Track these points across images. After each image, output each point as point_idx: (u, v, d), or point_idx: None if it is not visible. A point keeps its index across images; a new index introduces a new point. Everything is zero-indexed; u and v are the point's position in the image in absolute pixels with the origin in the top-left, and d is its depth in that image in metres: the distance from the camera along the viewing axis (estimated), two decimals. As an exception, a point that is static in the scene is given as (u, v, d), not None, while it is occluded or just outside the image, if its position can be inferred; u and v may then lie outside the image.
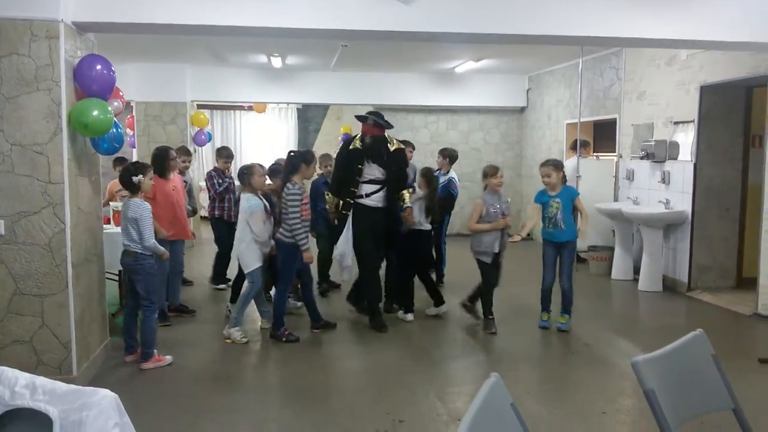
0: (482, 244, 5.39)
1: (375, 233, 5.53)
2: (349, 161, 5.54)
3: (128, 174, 4.53)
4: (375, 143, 5.48)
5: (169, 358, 4.62)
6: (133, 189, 4.52)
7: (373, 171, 5.49)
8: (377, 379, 4.45)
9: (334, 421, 3.75)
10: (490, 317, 5.45)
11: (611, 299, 7.00)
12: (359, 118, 5.64)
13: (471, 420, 1.61)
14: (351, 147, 5.57)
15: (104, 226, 5.09)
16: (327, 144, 14.98)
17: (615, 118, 8.24)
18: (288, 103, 14.19)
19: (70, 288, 4.06)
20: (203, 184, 7.59)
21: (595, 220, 7.52)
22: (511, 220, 5.58)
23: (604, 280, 7.56)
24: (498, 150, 11.34)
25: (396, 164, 5.56)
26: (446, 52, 8.58)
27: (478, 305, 5.61)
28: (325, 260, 6.67)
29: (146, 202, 4.59)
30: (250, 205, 5.13)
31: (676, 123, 7.04)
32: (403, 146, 5.77)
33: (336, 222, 5.74)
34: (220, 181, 6.62)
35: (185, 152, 6.85)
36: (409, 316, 5.76)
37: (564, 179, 5.52)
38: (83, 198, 4.30)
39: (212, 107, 13.61)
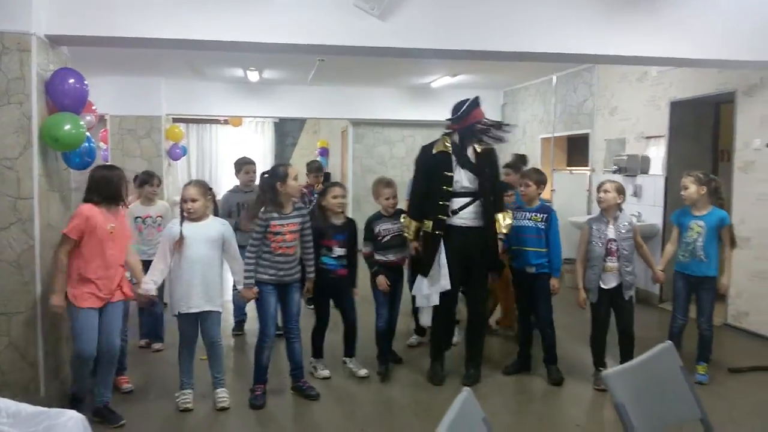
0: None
1: (466, 261, 4.40)
2: (436, 169, 4.42)
3: None
4: (466, 140, 4.42)
5: None
6: None
7: (461, 178, 4.41)
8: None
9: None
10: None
11: (585, 311, 7.05)
12: (452, 112, 4.48)
13: (443, 435, 1.61)
14: (435, 151, 4.48)
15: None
16: (304, 158, 14.97)
17: (588, 133, 8.36)
18: (265, 117, 14.17)
19: (38, 306, 3.98)
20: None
21: (569, 233, 7.60)
22: None
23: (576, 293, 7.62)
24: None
25: (489, 167, 4.49)
26: (423, 68, 8.64)
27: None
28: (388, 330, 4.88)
29: None
30: None
31: (648, 138, 7.17)
32: (492, 146, 4.57)
33: (418, 252, 4.56)
34: (311, 198, 6.07)
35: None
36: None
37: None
38: (54, 214, 4.23)
39: (187, 121, 13.53)
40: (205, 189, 4.06)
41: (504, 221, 4.48)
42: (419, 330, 5.44)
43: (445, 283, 4.30)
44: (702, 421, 2.27)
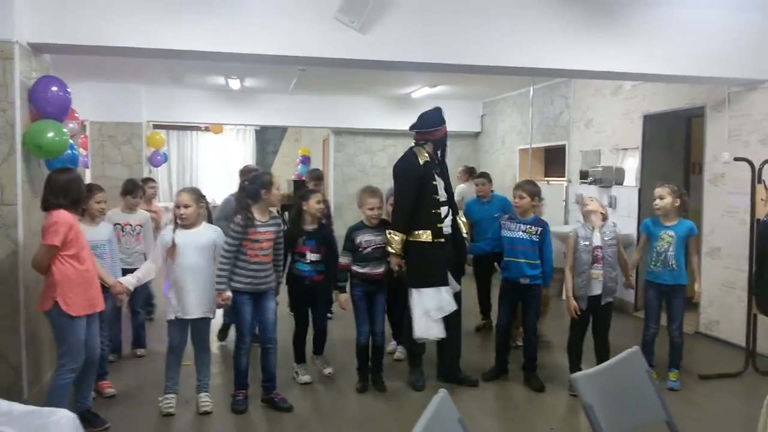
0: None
1: (447, 266, 4.52)
2: (425, 180, 4.46)
3: None
4: (441, 150, 4.60)
5: None
6: None
7: (439, 187, 4.54)
8: None
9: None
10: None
11: (561, 319, 7.18)
12: (422, 123, 4.57)
13: (419, 434, 1.70)
14: (422, 161, 4.49)
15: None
16: (285, 165, 15.04)
17: (564, 145, 8.54)
18: (246, 125, 14.21)
19: (22, 311, 4.01)
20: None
21: (546, 242, 7.76)
22: None
23: (554, 301, 7.76)
24: (453, 173, 11.51)
25: (447, 176, 4.71)
26: (403, 79, 8.77)
27: None
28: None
29: None
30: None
31: (622, 150, 7.35)
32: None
33: (400, 269, 4.46)
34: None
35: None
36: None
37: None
38: (36, 220, 4.25)
39: (168, 127, 13.52)
40: (198, 196, 4.10)
41: (464, 220, 4.81)
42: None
43: (451, 302, 4.43)
44: (667, 423, 2.38)
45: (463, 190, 8.00)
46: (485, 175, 6.46)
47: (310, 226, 4.57)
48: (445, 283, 4.45)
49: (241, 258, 4.06)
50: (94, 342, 3.74)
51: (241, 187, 4.24)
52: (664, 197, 4.61)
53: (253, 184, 4.13)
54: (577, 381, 2.12)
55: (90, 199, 4.08)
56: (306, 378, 4.70)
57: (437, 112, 4.59)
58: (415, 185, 4.43)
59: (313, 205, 4.53)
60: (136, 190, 5.24)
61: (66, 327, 3.54)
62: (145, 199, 6.10)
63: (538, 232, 4.63)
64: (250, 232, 4.03)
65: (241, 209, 4.10)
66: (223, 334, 5.79)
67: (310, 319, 4.81)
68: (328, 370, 4.82)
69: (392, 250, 4.41)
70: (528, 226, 4.65)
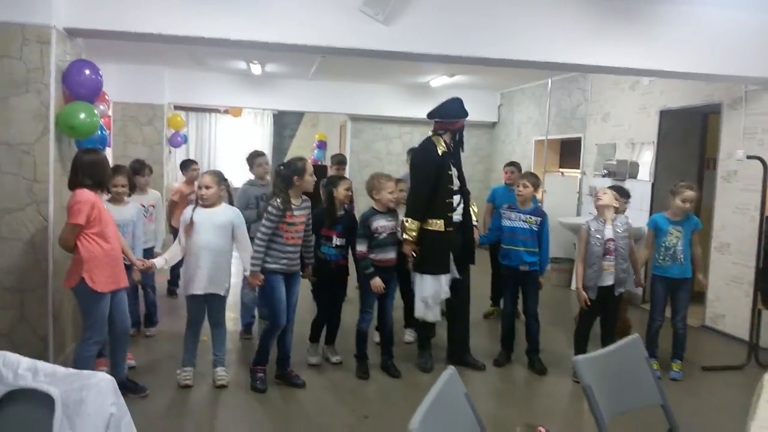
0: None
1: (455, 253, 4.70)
2: (441, 170, 4.59)
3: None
4: (459, 141, 4.70)
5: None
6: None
7: (454, 176, 4.68)
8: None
9: None
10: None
11: (570, 309, 7.31)
12: (443, 113, 4.70)
13: (427, 406, 1.84)
14: (440, 152, 4.61)
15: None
16: (301, 149, 15.18)
17: (580, 137, 8.60)
18: (265, 109, 14.34)
19: (50, 283, 4.20)
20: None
21: (558, 233, 7.85)
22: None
23: (564, 291, 7.89)
24: (468, 162, 11.47)
25: (460, 165, 4.78)
26: (422, 67, 8.85)
27: None
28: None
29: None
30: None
31: (637, 144, 7.41)
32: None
33: (414, 256, 4.61)
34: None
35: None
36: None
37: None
38: (66, 197, 4.41)
39: (188, 109, 13.69)
40: (220, 178, 4.29)
41: (475, 209, 4.94)
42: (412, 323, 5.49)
43: (449, 279, 4.63)
44: (663, 407, 2.51)
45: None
46: (515, 164, 6.58)
47: (338, 212, 4.67)
48: (447, 272, 4.61)
49: (277, 241, 4.17)
50: (122, 314, 3.92)
51: (277, 172, 4.32)
52: (693, 201, 4.78)
53: (288, 170, 4.24)
54: (578, 363, 2.26)
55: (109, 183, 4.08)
56: (315, 359, 4.79)
57: (458, 102, 4.68)
58: (433, 174, 4.53)
59: (342, 191, 4.62)
60: (142, 168, 5.35)
61: (91, 303, 3.71)
62: (188, 179, 6.23)
63: (538, 222, 4.81)
64: (287, 215, 4.15)
65: (279, 192, 4.21)
66: (246, 334, 5.50)
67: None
68: (336, 358, 4.85)
69: (407, 237, 4.52)
70: (528, 216, 4.83)
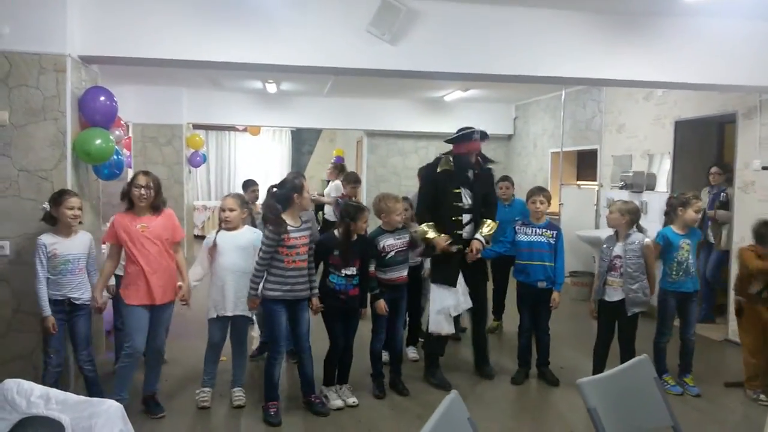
0: None
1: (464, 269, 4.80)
2: (442, 185, 4.77)
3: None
4: (463, 163, 4.79)
5: None
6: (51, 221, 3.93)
7: (464, 195, 4.81)
8: None
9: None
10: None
11: (590, 324, 7.23)
12: (457, 139, 4.85)
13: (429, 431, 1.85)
14: (439, 169, 4.82)
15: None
16: (320, 166, 15.30)
17: (596, 149, 8.56)
18: (282, 127, 14.49)
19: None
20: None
21: (577, 246, 7.80)
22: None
23: (583, 305, 7.79)
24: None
25: (484, 187, 4.92)
26: (435, 83, 8.90)
27: None
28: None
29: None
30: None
31: (658, 155, 7.35)
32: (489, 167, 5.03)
33: (449, 246, 4.66)
34: None
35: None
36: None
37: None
38: (85, 222, 4.50)
39: (207, 128, 13.89)
40: (242, 201, 4.42)
41: (486, 227, 4.82)
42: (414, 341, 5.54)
43: (466, 300, 4.74)
44: (674, 428, 2.49)
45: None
46: (508, 179, 6.55)
47: (352, 246, 4.35)
48: (454, 285, 4.70)
49: (276, 266, 4.01)
50: (156, 333, 4.07)
51: (271, 194, 4.11)
52: (699, 211, 4.79)
53: (284, 188, 4.08)
54: (582, 385, 2.25)
55: (61, 205, 3.84)
56: (338, 403, 4.36)
57: (462, 130, 4.86)
58: (431, 187, 4.84)
59: (361, 226, 4.32)
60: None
61: (124, 313, 4.10)
62: (249, 199, 6.30)
63: (554, 236, 4.86)
64: (285, 239, 3.97)
65: (271, 217, 4.01)
66: (259, 353, 5.37)
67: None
68: (352, 400, 4.42)
69: (432, 236, 4.65)
70: (545, 230, 4.87)
